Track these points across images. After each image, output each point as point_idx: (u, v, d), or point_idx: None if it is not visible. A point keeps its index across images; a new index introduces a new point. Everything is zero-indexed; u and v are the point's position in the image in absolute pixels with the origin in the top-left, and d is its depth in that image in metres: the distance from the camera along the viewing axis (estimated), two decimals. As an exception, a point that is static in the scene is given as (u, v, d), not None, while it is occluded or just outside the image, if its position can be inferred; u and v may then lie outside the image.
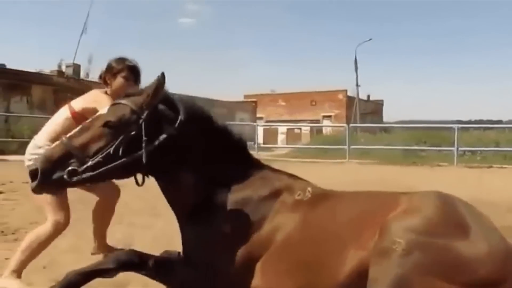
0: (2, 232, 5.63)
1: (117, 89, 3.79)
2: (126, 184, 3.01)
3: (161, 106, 2.61)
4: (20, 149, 19.54)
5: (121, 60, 3.87)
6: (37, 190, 2.44)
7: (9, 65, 25.64)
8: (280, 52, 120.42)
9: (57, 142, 2.50)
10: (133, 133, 2.48)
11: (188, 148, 2.66)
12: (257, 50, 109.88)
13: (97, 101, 3.65)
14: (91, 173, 2.42)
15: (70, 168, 2.39)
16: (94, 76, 31.42)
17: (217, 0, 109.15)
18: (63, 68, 29.18)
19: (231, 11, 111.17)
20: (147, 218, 5.76)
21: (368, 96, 53.14)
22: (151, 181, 2.76)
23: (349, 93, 46.87)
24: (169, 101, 2.68)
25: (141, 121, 2.50)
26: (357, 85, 42.93)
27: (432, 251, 2.10)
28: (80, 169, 2.40)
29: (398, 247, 2.12)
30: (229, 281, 2.50)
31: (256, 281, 2.46)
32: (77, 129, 2.56)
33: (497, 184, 10.62)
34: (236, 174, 2.72)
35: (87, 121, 2.61)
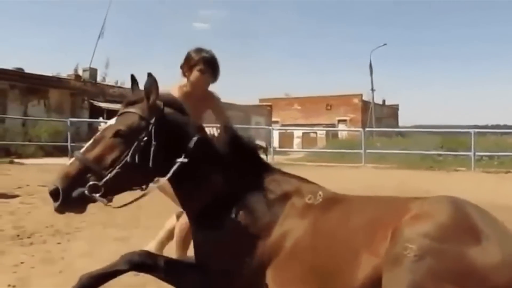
0: (18, 236, 5.63)
1: (194, 83, 3.71)
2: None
3: (167, 109, 2.61)
4: (37, 153, 19.83)
5: (198, 51, 3.72)
6: (59, 209, 2.36)
7: (27, 69, 26.01)
8: (295, 56, 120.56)
9: (72, 159, 2.45)
10: (145, 139, 2.47)
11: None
12: (272, 54, 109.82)
13: None
14: (112, 185, 2.38)
15: (91, 183, 2.34)
16: (111, 80, 31.81)
17: (232, 3, 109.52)
18: (80, 72, 29.48)
19: (246, 16, 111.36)
20: (164, 221, 5.72)
21: (384, 101, 52.90)
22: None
23: (364, 98, 46.66)
24: (176, 103, 2.71)
25: (150, 126, 2.49)
26: (372, 89, 42.70)
27: (444, 257, 2.06)
28: (101, 183, 2.35)
29: (410, 253, 2.08)
30: (239, 286, 2.49)
31: (266, 286, 2.44)
32: (89, 143, 2.51)
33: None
34: (245, 177, 2.69)
35: (97, 133, 2.56)
